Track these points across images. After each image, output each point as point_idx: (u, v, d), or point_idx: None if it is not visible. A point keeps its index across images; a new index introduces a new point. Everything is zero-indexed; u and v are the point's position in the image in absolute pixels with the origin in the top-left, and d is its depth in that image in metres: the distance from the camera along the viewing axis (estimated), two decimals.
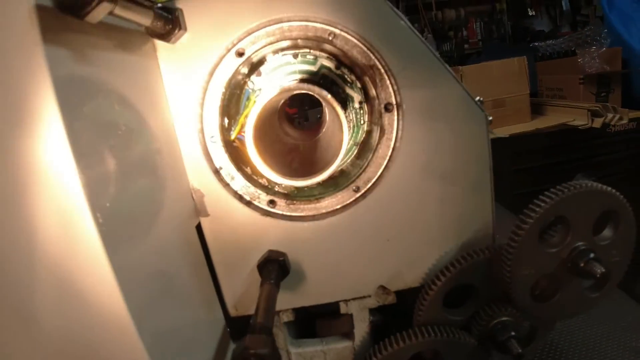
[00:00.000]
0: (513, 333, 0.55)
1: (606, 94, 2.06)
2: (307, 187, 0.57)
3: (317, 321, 0.69)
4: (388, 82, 0.53)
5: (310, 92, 0.51)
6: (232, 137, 0.57)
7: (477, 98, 0.56)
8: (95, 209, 0.33)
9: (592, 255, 0.51)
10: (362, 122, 0.59)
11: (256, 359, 0.39)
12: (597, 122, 1.84)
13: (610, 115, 1.86)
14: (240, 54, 0.52)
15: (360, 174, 0.56)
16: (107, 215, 0.35)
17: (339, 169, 0.60)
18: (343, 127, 0.49)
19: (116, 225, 0.37)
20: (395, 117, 0.54)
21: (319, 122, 0.75)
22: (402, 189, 0.55)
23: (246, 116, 0.52)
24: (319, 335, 0.65)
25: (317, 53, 0.56)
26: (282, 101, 0.64)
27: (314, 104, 1.24)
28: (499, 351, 0.55)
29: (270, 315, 0.45)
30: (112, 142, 0.40)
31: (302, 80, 0.56)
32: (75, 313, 0.36)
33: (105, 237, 0.34)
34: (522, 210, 0.54)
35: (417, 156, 0.55)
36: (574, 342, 0.76)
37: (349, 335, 0.63)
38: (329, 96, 0.49)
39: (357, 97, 0.57)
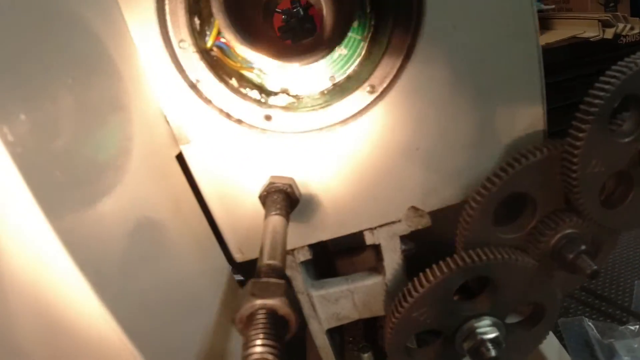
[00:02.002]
0: (583, 247, 0.42)
1: (615, 4, 1.85)
2: (308, 96, 0.43)
3: (337, 259, 0.57)
4: None
5: None
6: (209, 44, 0.42)
7: None
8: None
9: None
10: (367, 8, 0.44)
11: (267, 313, 0.26)
12: (609, 33, 1.65)
13: (621, 25, 1.67)
14: None
15: (374, 70, 0.42)
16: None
17: (345, 74, 0.45)
18: None
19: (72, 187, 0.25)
20: None
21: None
22: (429, 81, 0.41)
23: None
24: (341, 274, 0.53)
25: None
26: None
27: (308, 33, 1.07)
28: (567, 270, 0.43)
29: (280, 253, 0.32)
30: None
31: None
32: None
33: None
34: (587, 92, 0.40)
35: (446, 37, 0.40)
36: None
37: (377, 269, 0.51)
38: None
39: None
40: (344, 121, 0.42)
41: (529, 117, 0.43)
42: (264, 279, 0.29)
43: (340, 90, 0.44)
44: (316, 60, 0.36)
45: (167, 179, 0.41)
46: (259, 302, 0.27)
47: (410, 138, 0.42)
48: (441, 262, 0.42)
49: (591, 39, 1.60)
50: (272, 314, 0.27)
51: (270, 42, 0.38)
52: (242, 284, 0.51)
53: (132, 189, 0.34)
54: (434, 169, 0.44)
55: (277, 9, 1.07)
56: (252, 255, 0.46)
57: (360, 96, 0.42)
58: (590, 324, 0.65)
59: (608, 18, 1.63)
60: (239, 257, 0.46)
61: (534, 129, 0.44)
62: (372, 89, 0.42)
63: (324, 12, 0.40)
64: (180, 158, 0.42)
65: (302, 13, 1.11)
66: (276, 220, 0.36)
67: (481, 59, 0.41)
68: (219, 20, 0.35)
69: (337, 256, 0.58)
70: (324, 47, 0.36)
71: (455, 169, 0.44)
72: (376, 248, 0.49)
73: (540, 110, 0.43)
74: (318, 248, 0.48)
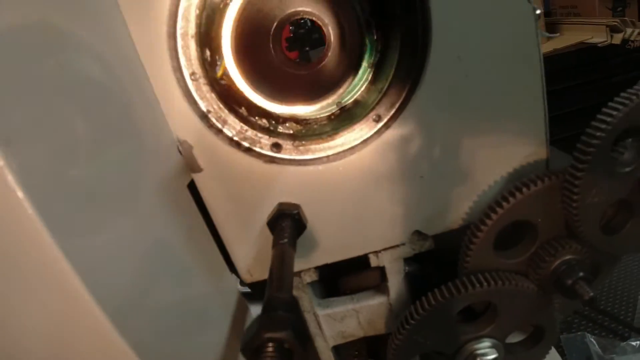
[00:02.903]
0: (581, 274, 0.43)
1: (622, 9, 1.83)
2: (316, 121, 0.44)
3: (340, 278, 0.59)
4: None
5: None
6: (219, 73, 0.43)
7: None
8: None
9: None
10: (373, 36, 0.45)
11: (275, 346, 0.28)
12: (617, 38, 1.64)
13: (629, 30, 1.65)
14: None
15: (380, 99, 0.43)
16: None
17: (352, 99, 0.46)
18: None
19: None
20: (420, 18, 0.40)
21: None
22: (434, 111, 0.42)
23: None
24: (344, 293, 0.54)
25: None
26: (276, 23, 0.50)
27: (316, 43, 1.08)
28: (565, 296, 0.43)
29: (287, 284, 0.33)
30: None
31: None
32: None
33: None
34: (588, 124, 0.41)
35: (452, 67, 0.41)
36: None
37: (382, 289, 0.52)
38: None
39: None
40: (351, 149, 0.43)
41: (531, 146, 0.44)
42: (272, 313, 0.30)
43: (347, 116, 0.45)
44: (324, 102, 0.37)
45: (180, 206, 0.42)
46: (267, 335, 0.29)
47: (415, 166, 0.43)
48: (443, 287, 0.43)
49: (599, 45, 1.59)
50: (279, 346, 0.29)
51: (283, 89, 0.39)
52: (248, 296, 0.53)
53: (144, 214, 0.36)
54: (438, 196, 0.45)
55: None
56: (260, 276, 0.47)
57: (366, 125, 0.43)
58: (592, 339, 0.66)
59: (616, 23, 1.62)
60: (247, 278, 0.48)
61: (536, 157, 0.45)
62: (378, 118, 0.43)
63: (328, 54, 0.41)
64: (191, 185, 0.44)
65: (309, 24, 1.11)
66: (283, 250, 0.37)
67: (485, 90, 0.42)
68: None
69: (341, 273, 0.60)
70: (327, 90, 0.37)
71: (458, 195, 0.45)
72: (381, 268, 0.50)
73: (543, 138, 0.44)
74: (324, 268, 0.49)
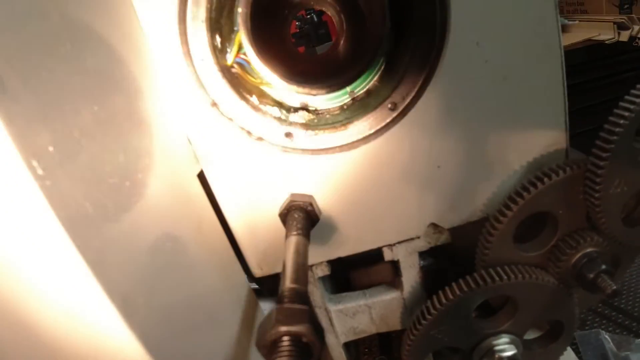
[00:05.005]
0: (604, 267, 0.41)
1: (630, 6, 1.81)
2: (328, 111, 0.43)
3: (353, 270, 0.57)
4: None
5: None
6: (230, 61, 0.42)
7: None
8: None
9: None
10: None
11: (292, 340, 0.26)
12: (624, 35, 1.61)
13: (637, 28, 1.63)
14: None
15: (396, 87, 0.41)
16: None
17: (364, 89, 0.45)
18: None
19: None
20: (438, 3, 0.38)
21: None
22: (451, 98, 0.40)
23: None
24: (356, 288, 0.52)
25: None
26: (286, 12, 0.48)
27: (322, 38, 1.07)
28: (587, 290, 0.42)
29: (302, 276, 0.32)
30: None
31: None
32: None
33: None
34: (611, 112, 0.39)
35: (470, 53, 0.39)
36: None
37: (395, 284, 0.50)
38: None
39: None
40: (365, 139, 0.41)
41: (551, 135, 0.42)
42: (288, 305, 0.29)
43: (360, 105, 0.44)
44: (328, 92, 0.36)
45: (189, 197, 0.41)
46: (283, 328, 0.27)
47: (432, 156, 0.42)
48: (460, 281, 0.42)
49: (606, 42, 1.57)
50: (296, 340, 0.27)
51: (290, 63, 0.38)
52: (256, 292, 0.51)
53: (153, 205, 0.34)
54: (455, 187, 0.43)
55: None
56: (271, 270, 0.46)
57: (382, 114, 0.41)
58: (606, 336, 0.64)
59: (623, 20, 1.60)
60: (258, 272, 0.46)
61: (556, 147, 0.43)
62: (394, 107, 0.41)
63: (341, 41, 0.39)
64: (201, 175, 0.42)
65: (315, 19, 1.10)
66: (298, 241, 0.36)
67: (504, 77, 0.40)
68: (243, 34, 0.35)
69: (353, 267, 0.58)
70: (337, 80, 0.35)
71: (476, 186, 0.43)
72: (394, 262, 0.48)
73: (562, 127, 0.43)
74: (336, 262, 0.48)
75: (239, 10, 0.36)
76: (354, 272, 0.58)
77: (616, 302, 0.70)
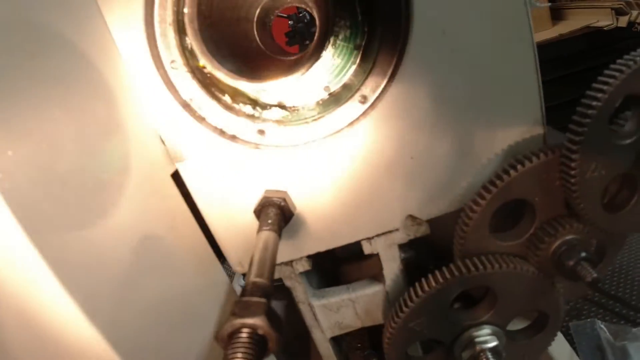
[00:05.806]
0: (584, 254, 0.40)
1: None
2: (304, 107, 0.43)
3: (341, 267, 0.57)
4: None
5: None
6: (201, 62, 0.42)
7: None
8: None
9: None
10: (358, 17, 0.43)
11: (248, 332, 0.26)
12: (623, 21, 1.58)
13: (635, 13, 1.60)
14: None
15: (366, 79, 0.41)
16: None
17: (341, 83, 0.45)
18: None
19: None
20: None
21: None
22: (420, 90, 0.40)
23: None
24: (344, 282, 0.52)
25: None
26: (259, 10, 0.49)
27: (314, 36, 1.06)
28: (567, 278, 0.41)
29: (268, 270, 0.32)
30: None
31: None
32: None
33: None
34: (584, 94, 0.38)
35: (436, 42, 0.39)
36: None
37: (377, 278, 0.50)
38: None
39: None
40: (337, 132, 0.41)
41: (526, 121, 0.42)
42: (247, 298, 0.29)
43: (334, 100, 0.43)
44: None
45: (164, 197, 0.41)
46: (238, 321, 0.27)
47: (404, 147, 0.41)
48: (437, 272, 0.41)
49: (605, 28, 1.54)
50: (252, 332, 0.27)
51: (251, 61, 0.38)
52: None
53: (128, 208, 0.35)
54: (430, 177, 0.43)
55: (281, 14, 1.06)
56: None
57: (352, 107, 0.41)
58: (602, 326, 0.63)
59: (621, 5, 1.57)
60: (239, 269, 0.46)
61: (531, 133, 0.42)
62: (364, 99, 0.41)
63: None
64: (176, 175, 0.42)
65: (308, 17, 1.10)
66: (266, 236, 0.36)
67: (474, 65, 0.40)
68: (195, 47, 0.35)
69: (344, 263, 0.58)
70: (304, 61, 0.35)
71: (451, 176, 0.43)
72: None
73: (538, 113, 0.42)
74: (318, 258, 0.48)
75: (185, 10, 0.36)
76: (345, 267, 0.58)
77: (613, 290, 0.69)
